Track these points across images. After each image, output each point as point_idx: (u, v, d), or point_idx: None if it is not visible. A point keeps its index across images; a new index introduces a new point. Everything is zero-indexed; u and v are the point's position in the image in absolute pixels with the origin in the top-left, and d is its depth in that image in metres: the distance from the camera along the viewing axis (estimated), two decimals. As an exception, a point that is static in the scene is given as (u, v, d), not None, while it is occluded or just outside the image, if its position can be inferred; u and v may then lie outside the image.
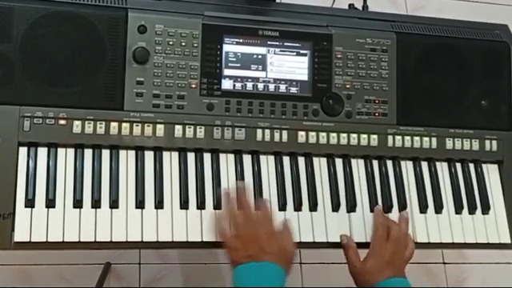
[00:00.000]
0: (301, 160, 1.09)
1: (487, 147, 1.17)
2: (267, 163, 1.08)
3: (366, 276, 1.02)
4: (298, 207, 1.06)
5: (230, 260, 0.97)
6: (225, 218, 1.00)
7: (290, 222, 1.03)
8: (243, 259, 0.95)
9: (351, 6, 1.26)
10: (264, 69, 1.08)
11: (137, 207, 0.99)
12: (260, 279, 0.94)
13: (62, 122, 0.98)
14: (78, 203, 0.97)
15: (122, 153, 1.01)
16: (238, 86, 1.07)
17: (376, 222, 1.07)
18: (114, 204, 0.98)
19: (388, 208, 1.10)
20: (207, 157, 1.05)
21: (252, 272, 0.94)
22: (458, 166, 1.17)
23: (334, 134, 1.09)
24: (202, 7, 1.07)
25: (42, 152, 0.98)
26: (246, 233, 0.97)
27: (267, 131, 1.07)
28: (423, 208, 1.12)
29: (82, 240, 0.95)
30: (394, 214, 1.10)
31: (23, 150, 0.97)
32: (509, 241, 1.15)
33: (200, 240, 1.00)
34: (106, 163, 1.00)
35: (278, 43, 1.09)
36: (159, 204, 1.00)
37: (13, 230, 0.93)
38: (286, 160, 1.09)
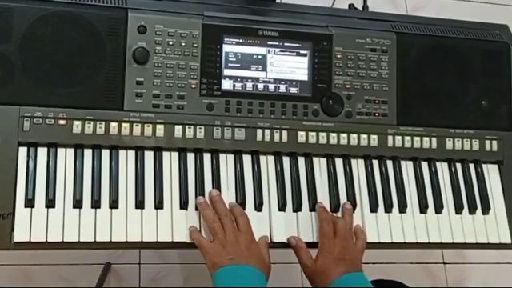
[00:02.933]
0: (301, 160, 1.09)
1: (487, 147, 1.17)
2: (267, 163, 1.08)
3: (319, 275, 1.00)
4: (297, 207, 1.06)
5: (209, 265, 0.96)
6: (203, 226, 1.00)
7: (268, 238, 1.03)
8: (223, 262, 0.94)
9: (351, 6, 1.26)
10: (264, 69, 1.08)
11: (137, 207, 0.99)
12: (243, 282, 0.93)
13: (62, 122, 0.98)
14: (77, 203, 0.97)
15: (122, 153, 1.01)
16: (238, 86, 1.07)
17: (320, 220, 1.04)
18: (113, 204, 0.98)
19: (388, 207, 1.10)
20: (207, 157, 1.05)
21: (234, 274, 0.94)
22: (458, 166, 1.17)
23: (334, 134, 1.09)
24: (202, 7, 1.07)
25: (42, 152, 0.98)
26: (226, 237, 0.97)
27: (267, 131, 1.07)
28: (423, 208, 1.12)
29: (81, 240, 0.95)
30: (394, 214, 1.10)
31: (23, 150, 0.97)
32: (509, 241, 1.15)
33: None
34: (105, 163, 1.00)
35: (277, 43, 1.09)
36: (159, 204, 1.00)
37: (12, 229, 0.93)
38: (286, 160, 1.09)
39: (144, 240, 0.98)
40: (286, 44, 1.09)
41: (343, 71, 1.11)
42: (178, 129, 1.03)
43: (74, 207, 0.97)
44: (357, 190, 1.10)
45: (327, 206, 1.08)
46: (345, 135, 1.10)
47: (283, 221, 1.05)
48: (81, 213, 0.97)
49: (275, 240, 1.04)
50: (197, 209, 1.02)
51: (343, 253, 1.01)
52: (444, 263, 1.98)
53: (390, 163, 1.13)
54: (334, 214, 1.07)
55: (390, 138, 1.12)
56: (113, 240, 0.97)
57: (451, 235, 1.12)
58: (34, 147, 0.98)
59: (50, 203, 0.96)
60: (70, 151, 0.99)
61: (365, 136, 1.11)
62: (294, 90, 1.09)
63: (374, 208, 1.10)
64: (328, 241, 1.02)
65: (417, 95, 1.14)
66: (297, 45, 1.10)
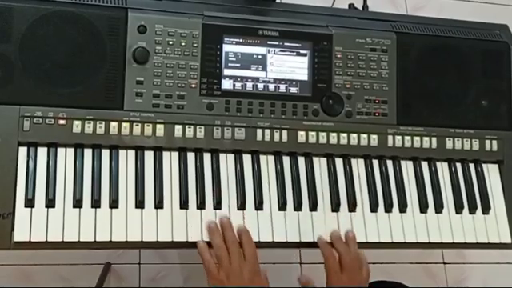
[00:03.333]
0: (301, 160, 1.09)
1: (487, 147, 1.17)
2: (267, 163, 1.08)
3: None
4: (297, 207, 1.06)
5: (211, 286, 0.97)
6: (211, 251, 0.99)
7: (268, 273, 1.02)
8: None
9: (351, 5, 1.26)
10: (264, 69, 1.08)
11: (137, 207, 0.99)
12: None
13: (62, 121, 0.98)
14: (77, 203, 0.97)
15: (122, 153, 1.01)
16: (238, 85, 1.07)
17: (325, 254, 1.03)
18: (113, 204, 0.98)
19: (388, 207, 1.10)
20: (207, 157, 1.05)
21: None
22: (459, 165, 1.17)
23: (334, 134, 1.09)
24: (202, 7, 1.07)
25: (42, 152, 0.98)
26: (231, 267, 0.97)
27: (267, 131, 1.07)
28: (423, 208, 1.12)
29: (81, 240, 0.95)
30: (395, 214, 1.10)
31: (23, 150, 0.97)
32: (509, 241, 1.15)
33: (200, 240, 1.00)
34: (105, 163, 1.00)
35: (277, 43, 1.09)
36: (159, 204, 1.00)
37: (12, 229, 0.93)
38: (286, 160, 1.09)
39: (144, 240, 0.98)
40: (286, 44, 1.09)
41: (343, 71, 1.11)
42: (178, 128, 1.03)
43: (74, 207, 0.97)
44: (357, 189, 1.10)
45: (328, 205, 1.08)
46: (345, 135, 1.10)
47: (283, 220, 1.05)
48: (81, 212, 0.97)
49: (276, 240, 1.04)
50: (197, 208, 1.02)
51: (351, 285, 1.01)
52: (444, 263, 1.98)
53: (390, 163, 1.13)
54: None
55: (390, 137, 1.12)
56: (113, 240, 0.97)
57: (451, 235, 1.12)
58: (34, 147, 0.98)
59: (50, 203, 0.96)
60: (70, 151, 0.99)
61: (365, 136, 1.11)
62: (293, 89, 1.09)
63: (374, 208, 1.10)
64: (336, 275, 1.02)
65: (417, 95, 1.14)
66: (297, 45, 1.10)
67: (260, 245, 1.03)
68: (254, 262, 0.99)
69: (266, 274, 1.02)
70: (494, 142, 1.17)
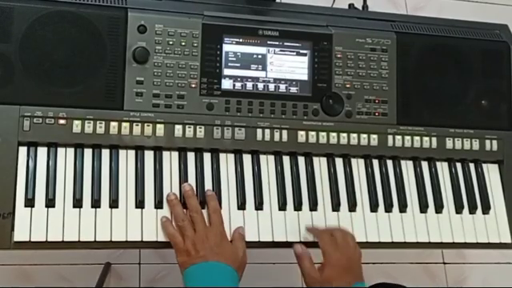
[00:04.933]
0: (301, 160, 1.09)
1: (487, 147, 1.17)
2: (267, 163, 1.08)
3: (325, 285, 0.97)
4: (298, 207, 1.06)
5: (180, 264, 0.96)
6: (174, 222, 0.99)
7: (243, 230, 1.01)
8: (193, 260, 0.94)
9: (351, 5, 1.26)
10: (264, 68, 1.08)
11: (137, 207, 0.99)
12: (212, 279, 0.92)
13: (62, 121, 0.98)
14: (77, 203, 0.97)
15: (122, 152, 1.01)
16: (238, 85, 1.07)
17: (317, 232, 1.03)
18: (113, 204, 0.98)
19: (388, 207, 1.10)
20: (207, 156, 1.05)
21: (203, 272, 0.93)
22: (459, 165, 1.17)
23: (334, 134, 1.09)
24: (202, 7, 1.07)
25: (42, 152, 0.98)
26: (195, 235, 0.96)
27: (267, 131, 1.07)
28: (423, 208, 1.12)
29: (81, 240, 0.95)
30: (395, 214, 1.10)
31: (23, 150, 0.97)
32: (509, 240, 1.15)
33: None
34: (105, 163, 1.00)
35: (277, 43, 1.09)
36: (159, 204, 1.00)
37: (12, 229, 0.93)
38: (286, 160, 1.09)
39: (144, 240, 0.98)
40: (285, 44, 1.09)
41: (343, 71, 1.11)
42: (178, 128, 1.03)
43: (74, 207, 0.97)
44: (357, 189, 1.10)
45: (328, 205, 1.08)
46: (345, 135, 1.10)
47: (283, 220, 1.05)
48: (81, 212, 0.97)
49: (276, 240, 1.04)
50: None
51: (350, 262, 1.00)
52: (444, 263, 1.98)
53: (390, 163, 1.13)
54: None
55: (390, 137, 1.12)
56: (113, 240, 0.97)
57: (451, 235, 1.12)
58: (34, 147, 0.98)
59: (50, 203, 0.96)
60: (70, 151, 0.99)
61: (365, 136, 1.11)
62: (293, 89, 1.09)
63: (374, 208, 1.10)
64: (333, 251, 1.00)
65: (417, 95, 1.14)
66: (297, 44, 1.10)
67: (260, 245, 1.03)
68: (219, 226, 0.98)
69: (242, 232, 1.01)
70: (494, 142, 1.17)
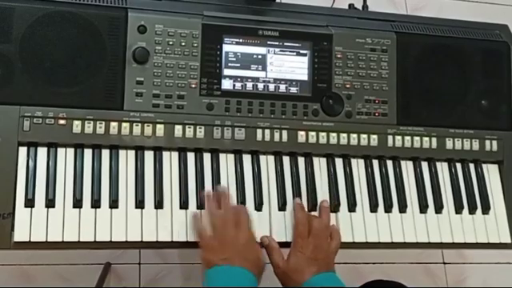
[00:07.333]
0: (301, 160, 1.09)
1: (487, 147, 1.17)
2: (267, 163, 1.08)
3: (290, 275, 0.98)
4: (297, 207, 1.06)
5: (203, 260, 0.96)
6: (204, 218, 0.99)
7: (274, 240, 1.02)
8: (218, 261, 0.93)
9: (351, 6, 1.26)
10: (264, 69, 1.08)
11: (136, 207, 0.99)
12: (233, 283, 0.92)
13: (62, 121, 0.98)
14: (77, 203, 0.97)
15: (122, 153, 1.01)
16: (238, 85, 1.07)
17: (295, 218, 1.03)
18: (113, 204, 0.98)
19: (388, 207, 1.10)
20: (207, 157, 1.05)
21: (225, 275, 0.93)
22: (458, 165, 1.17)
23: (334, 134, 1.09)
24: (202, 7, 1.07)
25: (42, 152, 0.98)
26: (224, 235, 0.96)
27: (267, 131, 1.07)
28: (423, 208, 1.12)
29: (81, 240, 0.95)
30: (394, 214, 1.10)
31: (23, 150, 0.97)
32: (509, 240, 1.15)
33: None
34: (105, 163, 1.00)
35: (277, 43, 1.09)
36: (159, 204, 1.00)
37: (12, 229, 0.93)
38: (286, 160, 1.09)
39: (144, 240, 0.98)
40: (285, 44, 1.09)
41: (343, 71, 1.11)
42: (178, 128, 1.03)
43: (74, 207, 0.97)
44: (357, 189, 1.10)
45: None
46: (345, 135, 1.10)
47: (283, 220, 1.05)
48: (81, 212, 0.97)
49: (276, 240, 1.03)
50: (198, 208, 1.02)
51: (315, 253, 1.00)
52: (444, 263, 1.98)
53: (389, 163, 1.13)
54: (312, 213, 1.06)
55: (390, 137, 1.12)
56: (113, 240, 0.97)
57: (451, 235, 1.12)
58: (34, 147, 0.98)
59: (50, 203, 0.96)
60: (70, 151, 0.99)
61: (365, 136, 1.11)
62: (293, 89, 1.09)
63: (373, 208, 1.10)
64: (302, 240, 1.01)
65: (417, 95, 1.14)
66: (297, 44, 1.10)
67: (260, 245, 1.03)
68: (249, 230, 0.99)
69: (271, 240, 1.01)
70: (494, 142, 1.17)
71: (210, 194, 1.01)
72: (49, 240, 0.94)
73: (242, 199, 1.04)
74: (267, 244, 1.02)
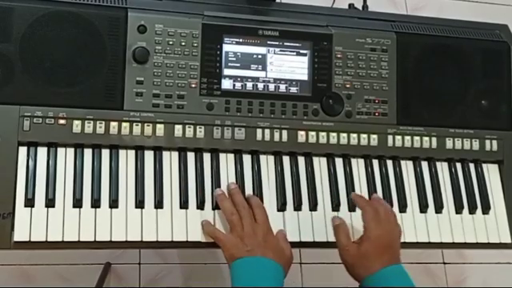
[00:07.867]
0: (301, 160, 1.09)
1: (487, 147, 1.17)
2: (267, 163, 1.08)
3: (361, 261, 0.95)
4: (297, 207, 1.06)
5: (227, 256, 0.97)
6: (219, 218, 1.01)
7: (285, 231, 1.03)
8: (242, 253, 0.95)
9: (351, 5, 1.26)
10: (264, 69, 1.08)
11: (136, 207, 0.99)
12: (260, 274, 0.93)
13: (62, 121, 0.98)
14: (77, 203, 0.97)
15: (122, 152, 1.01)
16: (238, 85, 1.07)
17: (362, 204, 1.01)
18: (113, 204, 0.98)
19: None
20: (207, 156, 1.05)
21: (252, 266, 0.94)
22: (459, 165, 1.17)
23: (334, 134, 1.09)
24: (202, 7, 1.07)
25: (42, 152, 0.98)
26: (244, 229, 0.97)
27: (267, 131, 1.07)
28: (423, 208, 1.12)
29: (81, 240, 0.95)
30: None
31: (23, 150, 0.97)
32: (509, 240, 1.15)
33: (200, 240, 1.00)
34: (105, 163, 1.00)
35: (277, 43, 1.09)
36: (159, 204, 1.00)
37: (12, 229, 0.93)
38: (286, 160, 1.09)
39: (144, 240, 0.98)
40: (285, 44, 1.09)
41: (343, 71, 1.11)
42: (178, 128, 1.03)
43: (74, 207, 0.97)
44: (357, 189, 1.10)
45: (328, 205, 1.08)
46: (345, 135, 1.10)
47: (283, 220, 1.05)
48: (81, 212, 0.97)
49: (275, 240, 1.04)
50: (197, 208, 1.02)
51: (391, 239, 0.98)
52: (444, 263, 1.98)
53: (389, 163, 1.13)
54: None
55: (390, 137, 1.12)
56: (113, 240, 0.97)
57: (451, 235, 1.12)
58: (34, 147, 0.98)
59: (50, 203, 0.96)
60: (70, 151, 0.99)
61: (365, 136, 1.11)
62: (293, 89, 1.09)
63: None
64: (375, 227, 0.97)
65: (417, 95, 1.14)
66: (297, 44, 1.10)
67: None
68: (265, 222, 1.00)
69: (284, 233, 1.02)
70: (494, 142, 1.17)
71: (221, 193, 1.02)
72: (49, 240, 0.94)
73: (242, 199, 1.04)
74: (337, 224, 1.02)
